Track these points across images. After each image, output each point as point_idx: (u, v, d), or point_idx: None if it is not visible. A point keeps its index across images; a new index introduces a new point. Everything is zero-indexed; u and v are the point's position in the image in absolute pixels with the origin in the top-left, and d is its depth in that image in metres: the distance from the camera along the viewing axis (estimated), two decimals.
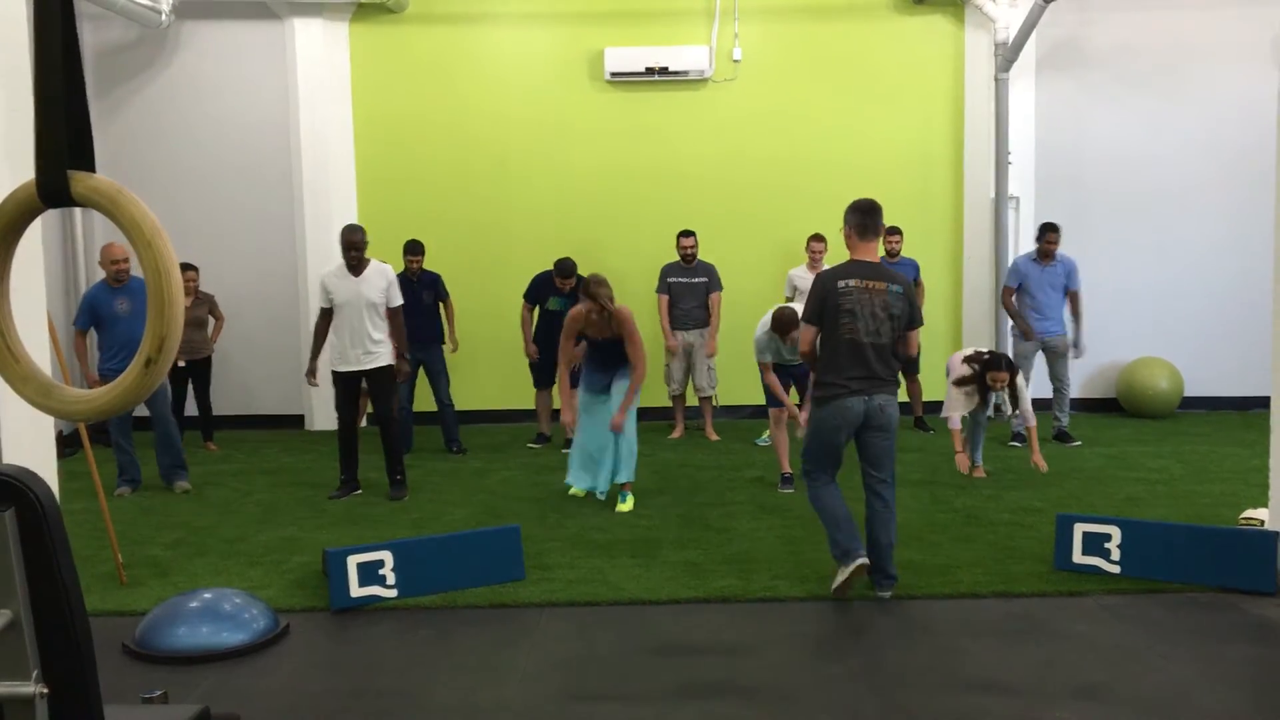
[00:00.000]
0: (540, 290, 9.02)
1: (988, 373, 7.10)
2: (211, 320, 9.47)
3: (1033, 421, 7.31)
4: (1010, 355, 8.47)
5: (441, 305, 9.10)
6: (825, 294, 5.07)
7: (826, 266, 7.15)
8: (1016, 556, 5.65)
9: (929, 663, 4.32)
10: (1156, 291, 10.41)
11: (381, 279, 7.22)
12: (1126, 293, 10.35)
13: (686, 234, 9.39)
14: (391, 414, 7.27)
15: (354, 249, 7.11)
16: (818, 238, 9.21)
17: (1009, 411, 7.33)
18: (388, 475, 7.36)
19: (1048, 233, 8.82)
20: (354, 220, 10.25)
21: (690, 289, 9.39)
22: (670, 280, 9.40)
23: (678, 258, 9.40)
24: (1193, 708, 3.85)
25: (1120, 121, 10.34)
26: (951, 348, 10.32)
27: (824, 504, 5.20)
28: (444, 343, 9.09)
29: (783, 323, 6.87)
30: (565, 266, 8.77)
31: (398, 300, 7.32)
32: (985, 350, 7.47)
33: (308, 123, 10.04)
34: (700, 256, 9.53)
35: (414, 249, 8.89)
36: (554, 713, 3.93)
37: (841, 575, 5.03)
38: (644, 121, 10.27)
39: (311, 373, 7.52)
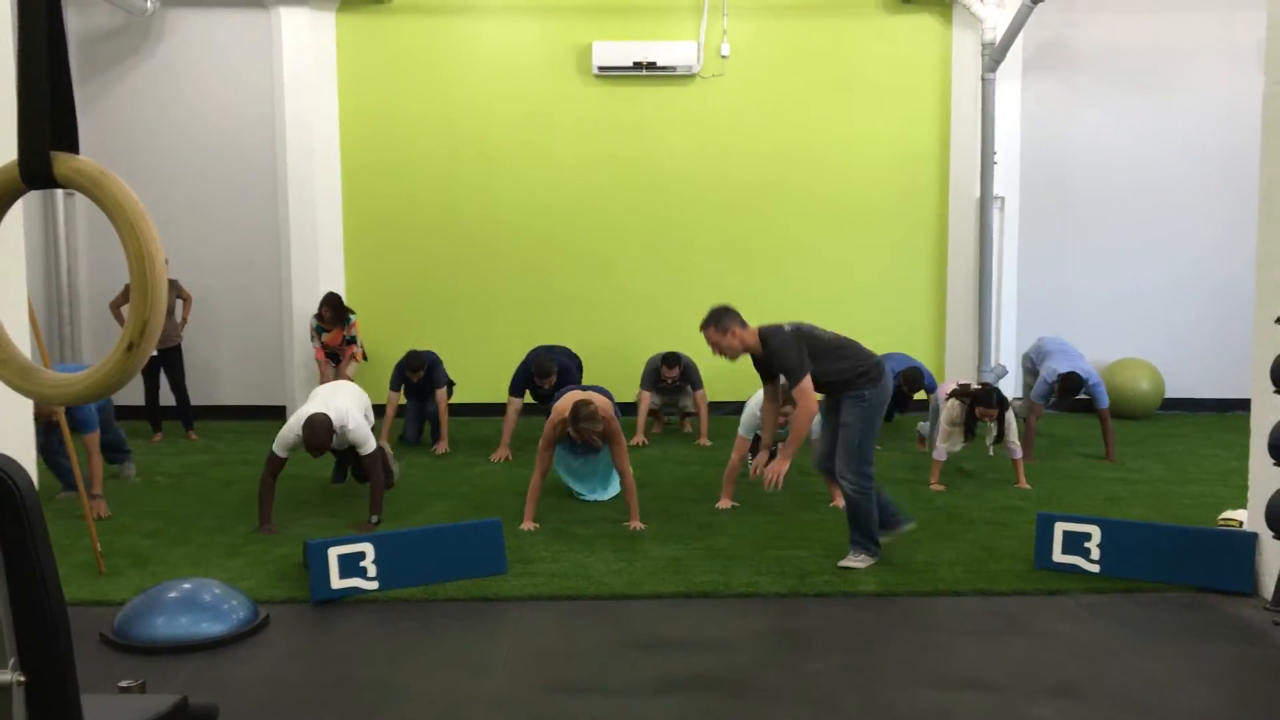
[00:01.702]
0: (526, 383, 8.59)
1: (976, 407, 7.10)
2: (180, 303, 9.36)
3: (1019, 455, 7.32)
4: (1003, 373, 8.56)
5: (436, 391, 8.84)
6: (805, 340, 5.45)
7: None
8: (997, 555, 5.68)
9: (909, 659, 4.34)
10: (1139, 293, 10.47)
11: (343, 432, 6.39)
12: (1109, 294, 10.42)
13: (671, 364, 8.93)
14: (376, 470, 6.49)
15: (314, 449, 6.25)
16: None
17: (990, 441, 7.32)
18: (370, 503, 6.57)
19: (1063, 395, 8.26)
20: (338, 211, 10.22)
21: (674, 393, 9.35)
22: (654, 388, 9.18)
23: (662, 370, 8.99)
24: (1170, 705, 3.87)
25: (1106, 123, 10.40)
26: (935, 347, 10.36)
27: (873, 500, 5.51)
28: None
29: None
30: (545, 368, 8.38)
31: (369, 448, 6.41)
32: (976, 384, 7.43)
33: (293, 112, 9.97)
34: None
35: (415, 365, 8.69)
36: (534, 705, 3.92)
37: (893, 537, 5.67)
38: (631, 116, 10.26)
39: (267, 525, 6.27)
